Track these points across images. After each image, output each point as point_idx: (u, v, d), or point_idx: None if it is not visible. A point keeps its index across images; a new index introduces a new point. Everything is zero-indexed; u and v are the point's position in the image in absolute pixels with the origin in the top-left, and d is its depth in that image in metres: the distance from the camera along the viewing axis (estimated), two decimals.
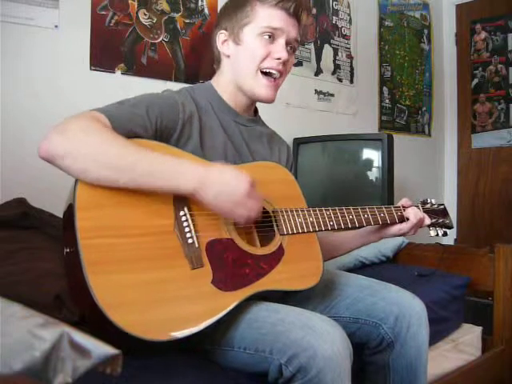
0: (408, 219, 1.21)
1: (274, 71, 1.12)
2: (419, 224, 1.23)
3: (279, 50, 1.11)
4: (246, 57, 1.12)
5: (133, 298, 0.82)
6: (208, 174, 0.90)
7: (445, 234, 1.32)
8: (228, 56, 1.16)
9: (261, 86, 1.13)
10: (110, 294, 0.80)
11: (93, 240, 0.82)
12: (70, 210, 0.85)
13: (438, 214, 1.31)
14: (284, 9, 1.11)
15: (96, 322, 0.81)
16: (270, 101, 1.16)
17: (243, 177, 0.92)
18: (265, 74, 1.13)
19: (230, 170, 0.94)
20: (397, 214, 1.22)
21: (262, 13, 1.11)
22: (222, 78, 1.18)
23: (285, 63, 1.13)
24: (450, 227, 1.33)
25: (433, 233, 1.30)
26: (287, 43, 1.13)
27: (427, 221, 1.25)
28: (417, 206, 1.27)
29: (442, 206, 1.34)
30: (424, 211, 1.27)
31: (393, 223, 1.22)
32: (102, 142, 0.86)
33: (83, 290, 0.79)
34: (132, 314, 0.81)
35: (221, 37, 1.16)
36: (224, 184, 0.91)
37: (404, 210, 1.24)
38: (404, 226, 1.21)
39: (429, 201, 1.34)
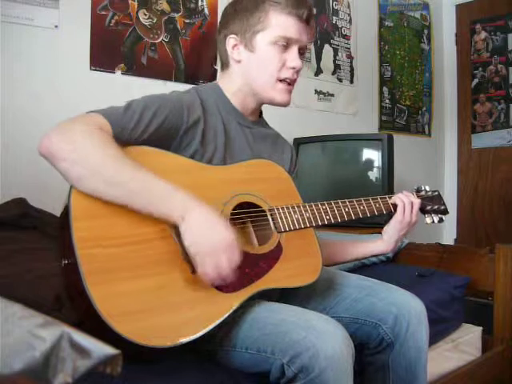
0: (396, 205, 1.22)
1: (289, 80, 1.13)
2: (409, 204, 1.22)
3: (293, 58, 1.11)
4: (260, 66, 1.12)
5: (135, 305, 0.82)
6: (192, 212, 0.87)
7: (441, 221, 1.33)
8: (239, 61, 1.15)
9: (279, 93, 1.14)
10: (111, 303, 0.79)
11: (90, 250, 0.81)
12: (65, 219, 0.84)
13: (432, 201, 1.32)
14: (297, 16, 1.10)
15: (98, 332, 0.79)
16: (287, 105, 1.17)
17: (227, 230, 0.88)
18: (280, 80, 1.13)
19: (216, 217, 0.89)
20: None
21: (275, 20, 1.10)
22: (230, 82, 1.17)
23: (298, 70, 1.14)
24: (446, 213, 1.34)
25: (428, 220, 1.31)
26: (299, 49, 1.13)
27: (415, 201, 1.24)
28: (411, 193, 1.28)
29: (436, 193, 1.35)
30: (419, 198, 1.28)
31: (388, 211, 1.23)
32: (103, 154, 0.85)
33: (84, 300, 0.78)
34: (135, 322, 0.80)
35: (231, 41, 1.14)
36: (205, 228, 0.87)
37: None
38: (397, 216, 1.21)
39: (423, 188, 1.34)
